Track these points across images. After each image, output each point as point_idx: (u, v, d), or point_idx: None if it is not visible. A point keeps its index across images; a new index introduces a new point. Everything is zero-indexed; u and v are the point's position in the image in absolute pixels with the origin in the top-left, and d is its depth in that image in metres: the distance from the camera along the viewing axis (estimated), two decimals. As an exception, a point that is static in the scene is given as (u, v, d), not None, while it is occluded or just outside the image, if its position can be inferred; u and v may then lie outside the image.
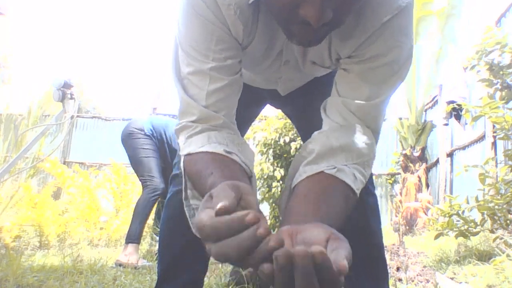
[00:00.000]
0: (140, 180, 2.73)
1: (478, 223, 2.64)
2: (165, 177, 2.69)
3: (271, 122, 3.93)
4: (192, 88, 0.84)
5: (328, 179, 0.78)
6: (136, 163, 2.74)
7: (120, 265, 2.33)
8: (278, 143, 3.79)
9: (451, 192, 5.18)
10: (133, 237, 2.50)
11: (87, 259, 2.34)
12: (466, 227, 2.64)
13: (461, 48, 5.26)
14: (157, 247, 2.68)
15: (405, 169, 5.98)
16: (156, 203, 2.72)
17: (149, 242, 2.94)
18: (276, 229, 3.70)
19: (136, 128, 2.78)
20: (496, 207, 2.62)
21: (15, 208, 3.57)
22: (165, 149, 2.82)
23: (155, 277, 1.92)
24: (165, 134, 2.83)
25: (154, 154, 2.73)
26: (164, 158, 2.79)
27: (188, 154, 0.82)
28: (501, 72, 2.78)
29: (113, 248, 3.12)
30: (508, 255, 2.19)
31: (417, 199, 5.68)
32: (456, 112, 4.65)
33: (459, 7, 5.36)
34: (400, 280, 2.08)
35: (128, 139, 2.78)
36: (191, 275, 1.16)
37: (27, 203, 3.15)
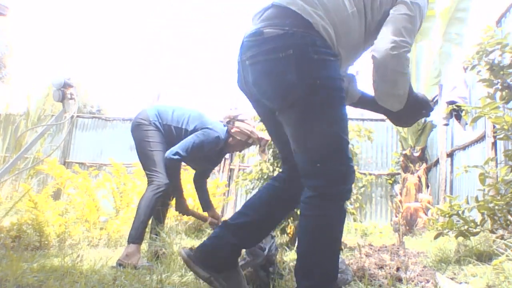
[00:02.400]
0: (146, 174, 2.69)
1: (478, 223, 2.64)
2: None
3: (271, 122, 3.93)
4: None
5: None
6: (142, 157, 2.70)
7: (120, 265, 2.32)
8: (278, 143, 3.79)
9: (451, 192, 5.18)
10: (134, 237, 2.47)
11: (87, 259, 2.33)
12: (466, 227, 2.64)
13: (463, 49, 5.26)
14: (156, 247, 2.67)
15: (405, 169, 5.98)
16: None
17: (150, 242, 2.92)
18: (276, 230, 3.69)
19: (142, 119, 2.73)
20: (496, 207, 2.62)
21: (15, 208, 3.57)
22: (173, 135, 2.74)
23: (155, 277, 1.92)
24: (172, 117, 2.77)
25: (160, 146, 2.66)
26: (172, 145, 2.71)
27: None
28: (501, 72, 2.78)
29: (113, 248, 3.12)
30: (508, 256, 2.19)
31: (417, 199, 5.68)
32: (456, 112, 4.65)
33: (466, 11, 5.33)
34: (400, 280, 2.08)
35: (135, 131, 2.74)
36: None
37: (27, 203, 3.14)
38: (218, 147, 2.80)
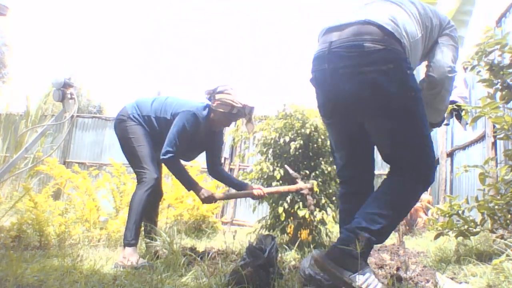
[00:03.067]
0: (134, 172, 2.65)
1: (478, 223, 2.64)
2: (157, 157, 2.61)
3: (271, 122, 3.92)
4: None
5: None
6: (127, 155, 2.66)
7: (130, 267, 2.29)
8: (278, 143, 3.79)
9: (451, 192, 5.18)
10: (129, 239, 2.45)
11: (87, 259, 2.33)
12: (466, 227, 2.65)
13: (464, 50, 5.25)
14: (154, 247, 2.67)
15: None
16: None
17: (149, 242, 2.92)
18: (276, 229, 3.70)
19: (122, 115, 2.72)
20: (496, 207, 2.62)
21: (15, 208, 3.56)
22: (155, 126, 2.68)
23: (155, 276, 1.92)
24: (151, 107, 2.71)
25: (143, 140, 2.62)
26: (156, 136, 2.68)
27: None
28: (501, 72, 2.78)
29: (113, 248, 3.11)
30: (508, 255, 2.19)
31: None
32: (457, 112, 4.65)
33: (469, 15, 5.31)
34: (400, 280, 2.08)
35: (116, 129, 2.72)
36: None
37: (27, 203, 3.14)
38: (200, 126, 2.67)
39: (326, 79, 1.62)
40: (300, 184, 2.95)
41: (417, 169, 1.60)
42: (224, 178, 2.95)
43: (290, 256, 2.74)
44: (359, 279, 1.46)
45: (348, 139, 1.77)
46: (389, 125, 1.58)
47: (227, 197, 3.06)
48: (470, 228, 2.63)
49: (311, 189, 2.97)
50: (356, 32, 1.55)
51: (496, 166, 3.28)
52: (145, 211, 2.57)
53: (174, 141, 2.55)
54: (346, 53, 1.54)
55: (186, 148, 2.70)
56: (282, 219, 3.60)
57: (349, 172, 1.80)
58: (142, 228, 3.29)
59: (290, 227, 3.73)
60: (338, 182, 1.83)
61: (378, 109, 1.55)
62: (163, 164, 2.80)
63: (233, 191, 3.07)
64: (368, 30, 1.55)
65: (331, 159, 3.85)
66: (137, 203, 2.51)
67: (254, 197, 2.83)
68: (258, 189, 2.81)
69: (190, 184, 2.70)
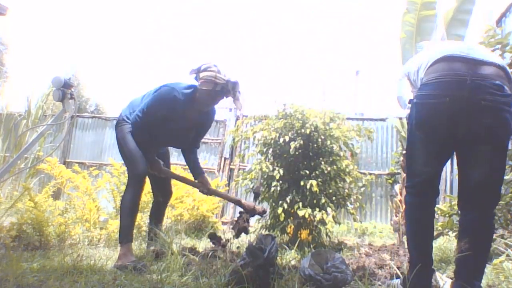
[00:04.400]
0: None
1: (478, 223, 2.63)
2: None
3: (271, 122, 3.92)
4: None
5: None
6: (120, 154, 2.70)
7: (120, 267, 2.29)
8: (278, 142, 3.79)
9: (451, 192, 5.17)
10: (121, 239, 2.46)
11: (87, 259, 2.33)
12: (466, 227, 2.64)
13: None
14: (156, 247, 2.67)
15: (405, 169, 5.97)
16: (150, 202, 2.64)
17: (149, 242, 2.92)
18: (276, 229, 3.69)
19: (119, 118, 2.76)
20: (496, 207, 2.61)
21: (15, 208, 3.56)
22: None
23: (155, 276, 1.92)
24: (142, 102, 2.69)
25: (132, 138, 2.64)
26: (153, 129, 2.65)
27: None
28: (501, 72, 2.77)
29: (113, 248, 3.11)
30: (508, 255, 2.19)
31: (417, 199, 5.66)
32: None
33: (469, 14, 5.29)
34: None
35: (115, 132, 2.77)
36: None
37: (27, 203, 3.14)
38: (178, 103, 2.58)
39: (462, 105, 1.77)
40: (249, 203, 2.80)
41: (495, 203, 1.90)
42: (191, 159, 2.89)
43: (290, 256, 2.74)
44: None
45: (443, 158, 1.98)
46: (500, 156, 1.86)
47: (172, 175, 2.94)
48: (470, 228, 2.62)
49: (255, 213, 2.78)
50: (496, 73, 1.80)
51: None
52: (137, 208, 2.58)
53: (143, 109, 2.55)
54: (490, 88, 1.74)
55: (173, 128, 2.66)
56: (282, 219, 3.60)
57: (432, 185, 1.97)
58: (143, 228, 3.29)
59: (290, 227, 3.73)
60: (413, 192, 1.99)
61: (500, 141, 1.84)
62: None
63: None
64: (503, 74, 1.81)
65: (331, 159, 3.85)
66: (127, 202, 2.54)
67: (199, 189, 2.83)
68: (206, 184, 2.80)
69: (150, 156, 2.69)
